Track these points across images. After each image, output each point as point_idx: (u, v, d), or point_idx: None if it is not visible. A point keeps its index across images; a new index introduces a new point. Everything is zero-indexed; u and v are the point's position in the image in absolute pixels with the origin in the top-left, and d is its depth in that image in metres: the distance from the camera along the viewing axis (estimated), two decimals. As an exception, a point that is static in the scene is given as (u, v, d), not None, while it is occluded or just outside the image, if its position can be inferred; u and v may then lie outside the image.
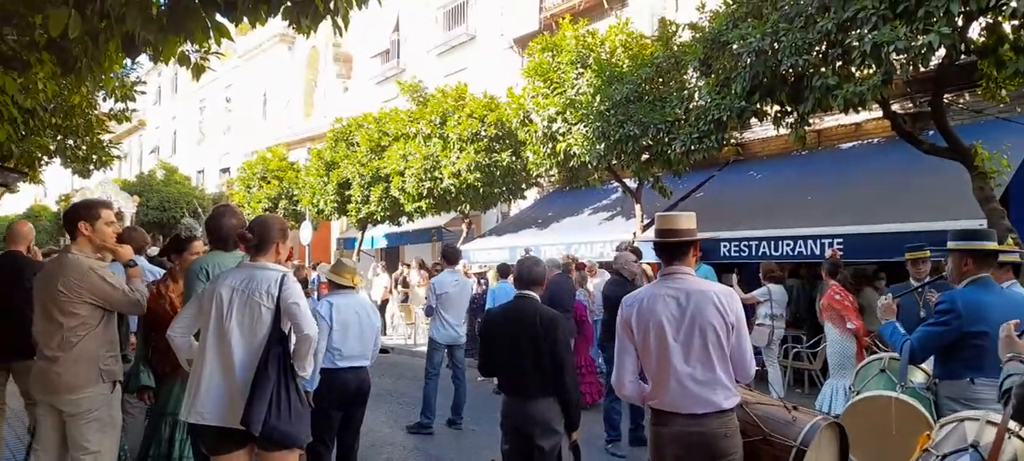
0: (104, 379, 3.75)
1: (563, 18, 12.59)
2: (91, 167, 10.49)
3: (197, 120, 33.27)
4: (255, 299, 3.22)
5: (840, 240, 8.20)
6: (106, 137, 10.32)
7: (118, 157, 11.64)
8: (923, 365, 4.13)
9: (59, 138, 9.15)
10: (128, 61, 6.19)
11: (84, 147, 9.83)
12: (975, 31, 6.50)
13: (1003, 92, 6.94)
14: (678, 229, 3.09)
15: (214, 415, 3.18)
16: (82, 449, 3.66)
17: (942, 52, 6.23)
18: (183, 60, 4.30)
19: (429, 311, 7.76)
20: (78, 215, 3.84)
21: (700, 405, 2.90)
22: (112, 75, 6.62)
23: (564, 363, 3.88)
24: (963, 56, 6.55)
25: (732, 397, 2.95)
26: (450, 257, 7.93)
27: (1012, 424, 2.47)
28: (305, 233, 18.30)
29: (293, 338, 3.30)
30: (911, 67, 6.12)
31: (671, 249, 3.09)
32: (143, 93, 8.60)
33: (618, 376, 3.15)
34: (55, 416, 3.73)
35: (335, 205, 17.27)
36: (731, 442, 2.91)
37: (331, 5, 3.89)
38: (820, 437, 3.02)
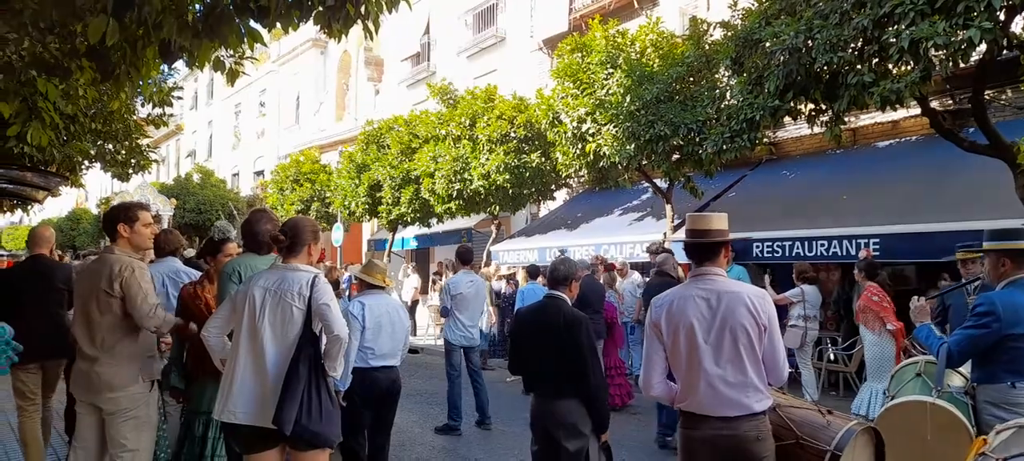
0: (143, 379, 3.84)
1: (593, 18, 12.54)
2: (130, 171, 10.74)
3: (232, 124, 33.88)
4: (287, 300, 3.27)
5: (876, 240, 8.04)
6: (144, 142, 10.56)
7: (156, 161, 11.91)
8: (960, 369, 4.02)
9: (99, 143, 9.38)
10: (165, 67, 6.33)
11: (123, 151, 10.07)
12: (1018, 25, 6.32)
13: (1047, 88, 6.75)
14: (709, 229, 3.05)
15: (246, 415, 3.22)
16: (120, 447, 3.75)
17: (983, 47, 6.05)
18: (218, 65, 4.39)
19: (445, 312, 7.77)
20: (117, 217, 3.93)
21: (731, 408, 2.86)
22: (149, 81, 6.78)
23: (586, 364, 3.82)
24: (1005, 51, 6.37)
25: (764, 400, 2.91)
26: (464, 258, 7.90)
27: None
28: (337, 235, 18.51)
29: (324, 339, 3.34)
30: (950, 63, 5.97)
31: (702, 250, 3.05)
32: (180, 98, 8.79)
33: (646, 376, 3.12)
34: (95, 415, 3.82)
35: (366, 207, 17.44)
36: (764, 445, 2.86)
37: (362, 9, 3.94)
38: (855, 442, 2.95)
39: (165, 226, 23.25)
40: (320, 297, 3.27)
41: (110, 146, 9.76)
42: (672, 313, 3.00)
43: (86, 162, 9.94)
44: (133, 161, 10.41)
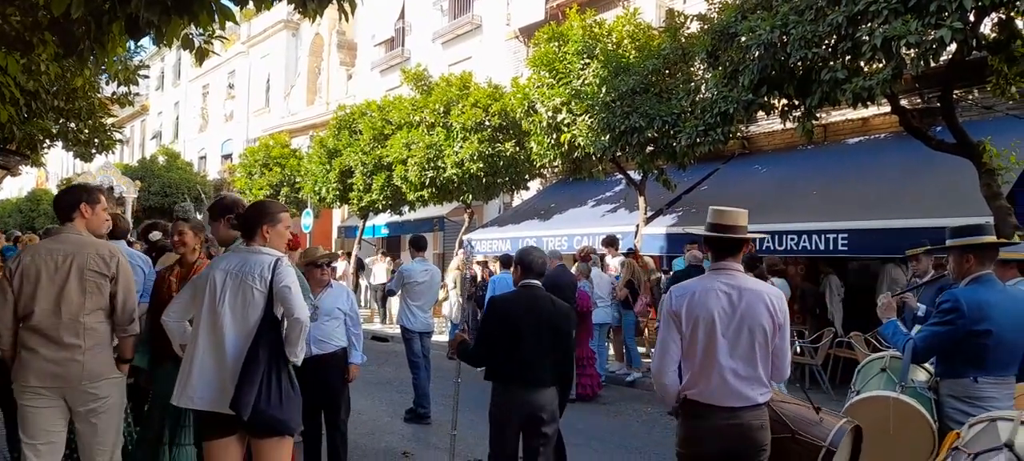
0: (120, 365, 3.70)
1: (570, 8, 12.51)
2: (93, 151, 10.46)
3: (199, 106, 33.21)
4: (248, 283, 3.17)
5: (845, 235, 8.17)
6: (109, 121, 10.29)
7: (120, 141, 11.59)
8: (925, 364, 4.10)
9: (61, 121, 9.12)
10: (131, 44, 6.15)
11: (86, 130, 9.80)
12: (987, 26, 6.43)
13: (1013, 88, 6.88)
14: (736, 225, 3.12)
15: (204, 400, 3.12)
16: (97, 432, 3.54)
17: (953, 47, 6.16)
18: (187, 43, 4.24)
19: (391, 292, 7.76)
20: (79, 197, 3.67)
21: (737, 399, 2.96)
22: (115, 58, 6.59)
23: (572, 352, 4.07)
24: (974, 52, 6.48)
25: (766, 393, 3.02)
26: (418, 245, 7.89)
27: None
28: (306, 221, 18.28)
29: (285, 323, 3.24)
30: (922, 62, 6.05)
31: (726, 244, 3.11)
32: (146, 77, 8.58)
33: (660, 365, 3.12)
34: (61, 407, 3.52)
35: (337, 193, 17.23)
36: (765, 434, 2.98)
37: (338, -12, 3.85)
38: (845, 439, 3.05)
39: (129, 208, 22.76)
40: (281, 280, 3.17)
41: (73, 124, 9.49)
42: (693, 304, 3.04)
43: (48, 141, 9.65)
44: (97, 141, 10.15)
